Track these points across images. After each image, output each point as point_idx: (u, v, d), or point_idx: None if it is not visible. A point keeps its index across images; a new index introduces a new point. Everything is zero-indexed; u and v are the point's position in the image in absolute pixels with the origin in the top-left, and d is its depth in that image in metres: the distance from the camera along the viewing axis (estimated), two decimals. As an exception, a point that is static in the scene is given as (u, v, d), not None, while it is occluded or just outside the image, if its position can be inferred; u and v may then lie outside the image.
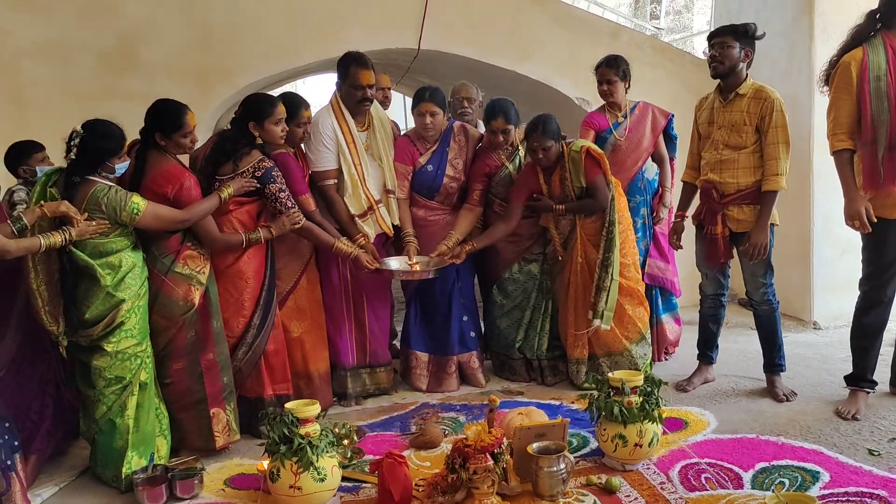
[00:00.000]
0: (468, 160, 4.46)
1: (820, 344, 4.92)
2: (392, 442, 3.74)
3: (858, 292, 3.79)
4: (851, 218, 3.58)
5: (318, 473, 2.96)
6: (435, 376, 4.51)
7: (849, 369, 3.88)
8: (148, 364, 3.46)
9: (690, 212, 4.22)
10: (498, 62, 5.78)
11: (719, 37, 3.89)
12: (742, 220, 3.91)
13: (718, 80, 3.96)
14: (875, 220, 3.52)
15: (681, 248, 4.33)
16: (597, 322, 4.14)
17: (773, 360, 4.12)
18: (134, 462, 3.37)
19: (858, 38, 3.57)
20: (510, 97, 4.47)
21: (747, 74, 3.90)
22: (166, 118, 3.55)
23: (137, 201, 3.35)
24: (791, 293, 5.52)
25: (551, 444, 3.10)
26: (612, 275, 4.12)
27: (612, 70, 4.45)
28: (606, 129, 4.56)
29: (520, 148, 4.44)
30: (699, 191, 4.07)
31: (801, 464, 3.21)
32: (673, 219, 4.22)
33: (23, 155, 4.12)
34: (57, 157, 3.67)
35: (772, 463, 3.23)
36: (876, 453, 3.27)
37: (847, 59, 3.53)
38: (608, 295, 4.12)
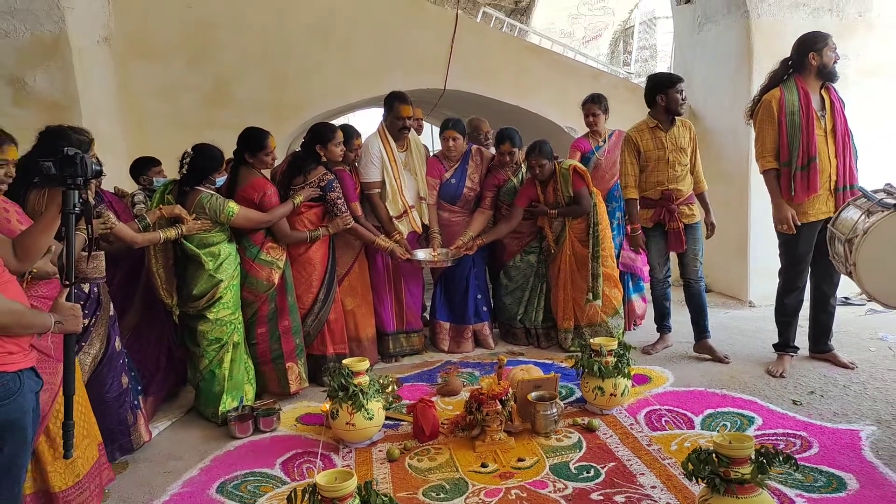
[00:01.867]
0: (482, 175, 4.45)
1: (754, 318, 4.85)
2: (423, 390, 3.75)
3: (778, 281, 3.75)
4: (780, 223, 3.53)
5: (368, 413, 3.00)
6: (454, 340, 4.51)
7: (776, 339, 3.84)
8: (239, 328, 3.50)
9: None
10: (504, 98, 5.74)
11: (681, 82, 3.91)
12: (690, 215, 3.98)
13: (656, 115, 3.93)
14: (799, 224, 3.48)
15: (643, 252, 4.21)
16: (598, 302, 4.15)
17: (705, 326, 4.05)
18: (228, 403, 3.42)
19: (775, 80, 3.55)
20: (514, 126, 4.47)
21: None
22: (253, 141, 3.57)
23: (232, 206, 3.39)
24: (732, 278, 5.46)
25: (546, 394, 3.12)
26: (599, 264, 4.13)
27: (596, 105, 4.43)
28: (590, 151, 4.54)
29: (522, 165, 4.42)
30: (656, 198, 3.95)
31: (740, 410, 3.19)
32: (630, 231, 4.12)
33: (143, 168, 4.16)
34: (170, 171, 3.70)
35: (717, 410, 3.22)
36: (798, 403, 3.25)
37: (768, 97, 3.51)
38: (601, 279, 4.13)
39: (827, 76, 3.45)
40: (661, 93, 3.88)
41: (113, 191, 3.73)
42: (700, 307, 4.06)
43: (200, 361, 3.42)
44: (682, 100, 3.89)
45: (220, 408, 3.39)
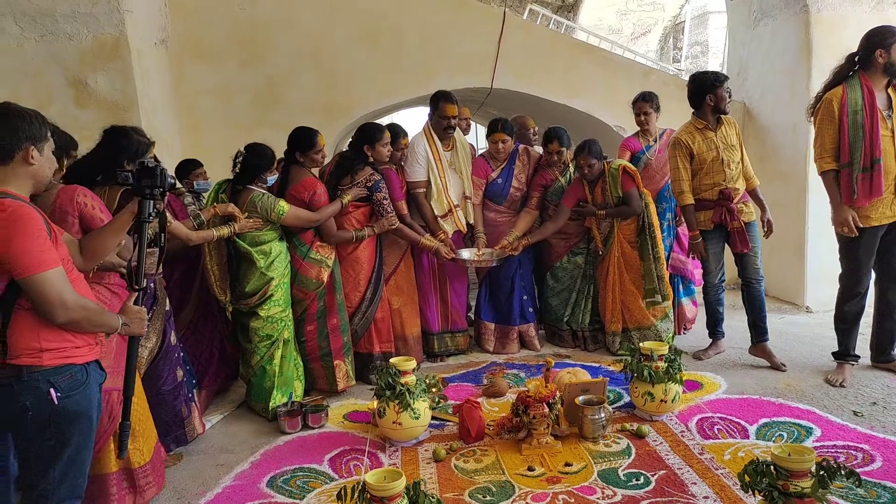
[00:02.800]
0: (529, 174, 4.41)
1: (812, 324, 4.68)
2: (469, 391, 3.75)
3: (839, 286, 3.62)
4: (840, 225, 3.41)
5: (414, 413, 3.01)
6: (500, 341, 4.49)
7: (836, 346, 3.70)
8: (289, 326, 3.56)
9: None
10: (552, 98, 5.68)
11: (728, 81, 3.85)
12: (747, 213, 3.89)
13: (703, 116, 3.85)
14: (861, 226, 3.35)
15: (707, 258, 4.03)
16: (666, 304, 4.11)
17: (764, 329, 3.92)
18: (278, 399, 3.48)
19: (839, 77, 3.40)
20: (562, 125, 4.41)
21: None
22: (304, 139, 3.63)
23: (283, 205, 3.44)
24: (788, 282, 5.28)
25: (594, 398, 3.08)
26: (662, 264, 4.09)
27: (647, 104, 4.34)
28: (640, 151, 4.45)
29: (570, 165, 4.37)
30: (715, 199, 3.84)
31: (797, 420, 3.09)
32: (690, 239, 3.99)
33: (186, 170, 4.28)
34: (224, 171, 3.79)
35: (773, 419, 3.12)
36: (859, 414, 3.12)
37: (829, 96, 3.38)
38: (666, 279, 4.08)
39: (895, 74, 3.30)
40: (710, 93, 3.79)
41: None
42: (759, 308, 3.95)
43: (252, 357, 3.48)
44: (729, 98, 3.82)
45: (271, 403, 3.45)
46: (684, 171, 3.90)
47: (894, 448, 2.75)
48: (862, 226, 3.37)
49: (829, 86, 3.45)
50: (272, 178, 3.58)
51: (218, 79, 5.19)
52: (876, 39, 3.30)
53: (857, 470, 2.29)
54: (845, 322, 3.61)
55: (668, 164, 4.05)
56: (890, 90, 3.34)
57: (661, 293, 4.07)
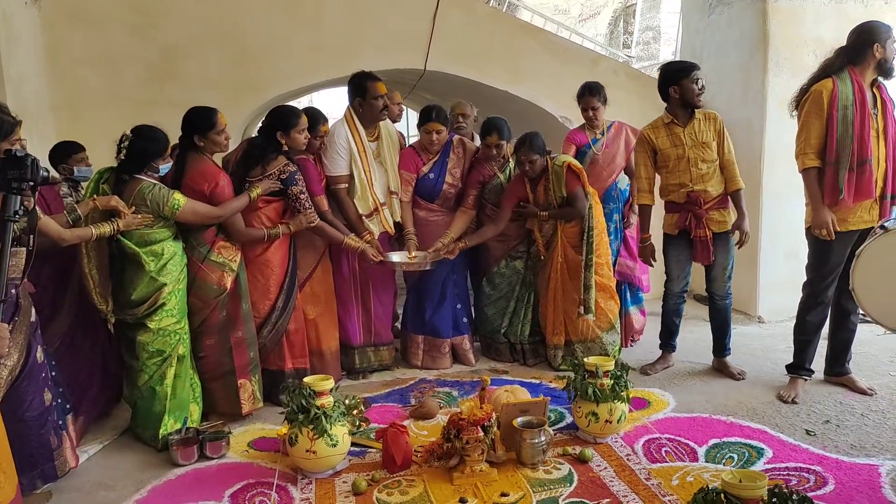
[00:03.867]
0: (465, 169, 4.42)
1: (764, 336, 4.91)
2: (394, 412, 3.72)
3: (802, 293, 3.78)
4: (819, 227, 3.52)
5: (331, 439, 2.95)
6: (429, 355, 4.48)
7: (789, 359, 3.88)
8: (185, 340, 3.44)
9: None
10: (493, 83, 5.74)
11: (698, 71, 3.91)
12: (720, 222, 3.96)
13: (671, 109, 3.96)
14: (838, 230, 3.50)
15: (653, 265, 4.27)
16: (590, 316, 4.14)
17: (725, 345, 4.16)
18: (170, 425, 3.36)
19: (828, 70, 3.53)
20: (502, 114, 4.45)
21: None
22: (201, 120, 3.51)
23: (178, 198, 3.32)
24: (740, 290, 5.47)
25: (534, 419, 3.10)
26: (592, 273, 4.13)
27: (595, 98, 4.41)
28: (586, 145, 4.54)
29: (510, 160, 4.41)
30: (682, 202, 3.98)
31: (748, 441, 3.20)
32: (640, 242, 4.16)
33: (64, 154, 4.05)
34: (107, 157, 3.62)
35: (723, 439, 3.23)
36: (812, 433, 3.27)
37: (819, 88, 3.49)
38: (593, 291, 4.12)
39: (887, 72, 3.47)
40: (675, 84, 3.89)
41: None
42: (724, 325, 4.12)
43: (139, 377, 3.34)
44: (699, 90, 3.88)
45: (161, 430, 3.33)
46: (644, 168, 4.01)
47: (847, 470, 2.90)
48: (839, 230, 3.50)
49: (816, 78, 3.57)
50: (165, 167, 3.44)
51: (102, 47, 4.98)
52: (872, 34, 3.43)
53: (810, 494, 2.40)
54: (805, 333, 3.77)
55: (618, 157, 4.14)
56: (875, 89, 3.50)
57: (583, 304, 4.12)
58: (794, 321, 3.83)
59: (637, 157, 4.08)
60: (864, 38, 3.46)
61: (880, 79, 3.51)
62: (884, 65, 3.44)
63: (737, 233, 3.94)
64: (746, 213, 3.93)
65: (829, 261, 3.59)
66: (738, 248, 4.01)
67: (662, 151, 3.97)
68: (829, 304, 3.71)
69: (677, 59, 6.71)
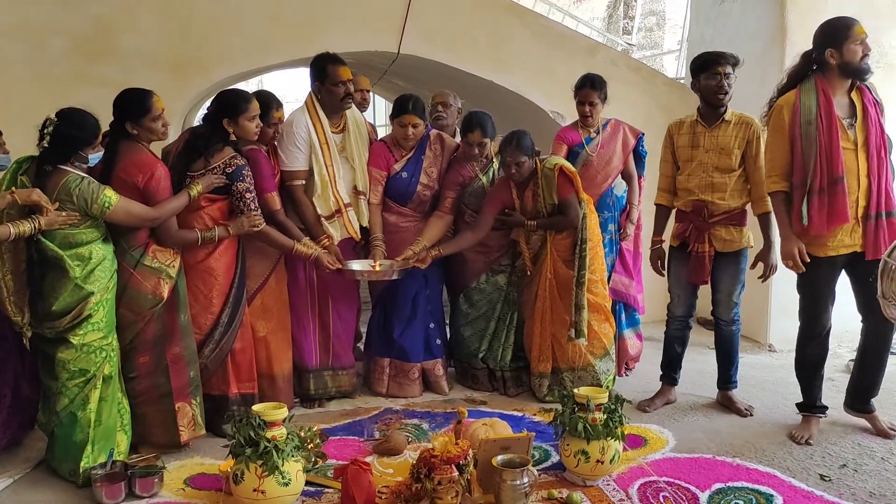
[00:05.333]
0: (442, 169, 4.46)
1: (775, 366, 5.02)
2: (355, 447, 3.73)
3: (799, 321, 3.87)
4: (785, 258, 3.63)
5: (283, 477, 2.95)
6: (396, 381, 4.50)
7: (800, 394, 3.96)
8: (113, 357, 3.42)
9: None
10: (476, 71, 5.79)
11: (722, 65, 3.89)
12: (728, 241, 3.99)
13: (701, 107, 4.03)
14: (808, 260, 3.57)
15: (663, 274, 4.31)
16: (581, 341, 4.18)
17: (731, 377, 4.24)
18: (93, 457, 3.33)
19: (794, 79, 3.62)
20: (485, 106, 4.50)
21: None
22: (133, 104, 3.50)
23: (110, 195, 3.30)
24: (750, 316, 5.59)
25: (515, 458, 3.11)
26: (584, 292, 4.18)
27: (596, 93, 4.46)
28: (578, 144, 4.58)
29: (494, 160, 4.45)
30: (687, 211, 4.06)
31: (756, 486, 3.26)
32: (651, 245, 4.26)
33: None
34: (26, 143, 3.59)
35: (728, 484, 3.28)
36: (827, 479, 3.35)
37: (780, 103, 3.58)
38: (585, 312, 4.16)
39: (853, 74, 3.50)
40: (695, 78, 3.98)
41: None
42: (730, 354, 4.20)
43: (58, 400, 3.31)
44: (718, 87, 3.87)
45: (83, 463, 3.30)
46: (664, 164, 4.15)
47: (864, 519, 2.99)
48: (819, 256, 3.58)
49: (783, 89, 3.66)
50: (95, 157, 3.43)
51: (21, 15, 4.93)
52: (825, 38, 3.50)
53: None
54: (805, 370, 3.86)
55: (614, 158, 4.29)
56: (854, 94, 3.56)
57: (574, 326, 4.16)
58: (794, 357, 3.92)
59: (662, 151, 4.19)
60: (818, 42, 3.54)
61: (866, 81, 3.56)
62: (846, 68, 3.47)
63: (760, 264, 4.01)
64: (774, 242, 3.91)
65: (817, 289, 3.70)
66: (762, 281, 4.09)
67: (678, 150, 4.08)
68: (827, 336, 3.79)
69: (683, 50, 6.87)
